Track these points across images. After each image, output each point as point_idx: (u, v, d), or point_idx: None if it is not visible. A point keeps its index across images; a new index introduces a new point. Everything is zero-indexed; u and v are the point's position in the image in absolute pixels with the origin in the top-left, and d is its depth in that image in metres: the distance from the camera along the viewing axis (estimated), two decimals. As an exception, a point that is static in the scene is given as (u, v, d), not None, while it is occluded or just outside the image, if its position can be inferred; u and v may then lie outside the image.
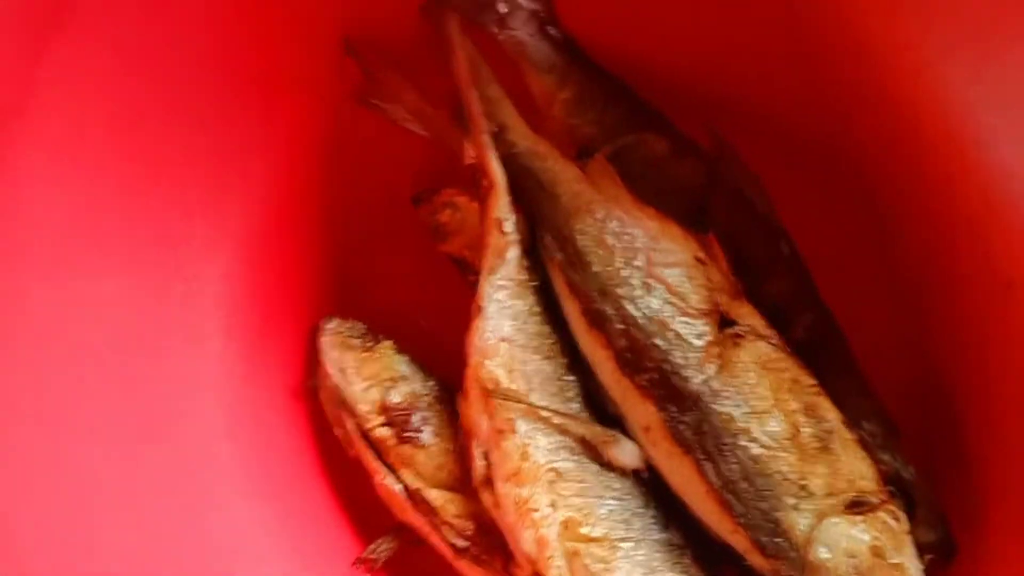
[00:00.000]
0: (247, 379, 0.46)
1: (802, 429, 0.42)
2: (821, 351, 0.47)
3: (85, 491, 0.40)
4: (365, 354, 0.49)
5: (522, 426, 0.44)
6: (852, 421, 0.45)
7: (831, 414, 0.43)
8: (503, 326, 0.46)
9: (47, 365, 0.40)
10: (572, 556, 0.41)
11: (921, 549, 0.41)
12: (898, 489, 0.44)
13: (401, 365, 0.49)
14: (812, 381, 0.43)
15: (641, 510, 0.43)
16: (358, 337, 0.49)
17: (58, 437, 0.40)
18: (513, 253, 0.47)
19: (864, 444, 0.43)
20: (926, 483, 0.44)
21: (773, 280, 0.49)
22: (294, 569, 0.44)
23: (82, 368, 0.41)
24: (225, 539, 0.43)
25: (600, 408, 0.46)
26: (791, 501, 0.41)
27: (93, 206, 0.40)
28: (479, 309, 0.46)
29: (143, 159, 0.41)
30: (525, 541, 0.42)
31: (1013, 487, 0.44)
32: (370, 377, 0.48)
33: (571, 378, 0.47)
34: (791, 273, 0.49)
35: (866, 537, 0.39)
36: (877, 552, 0.39)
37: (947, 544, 0.43)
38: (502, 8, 0.51)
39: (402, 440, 0.47)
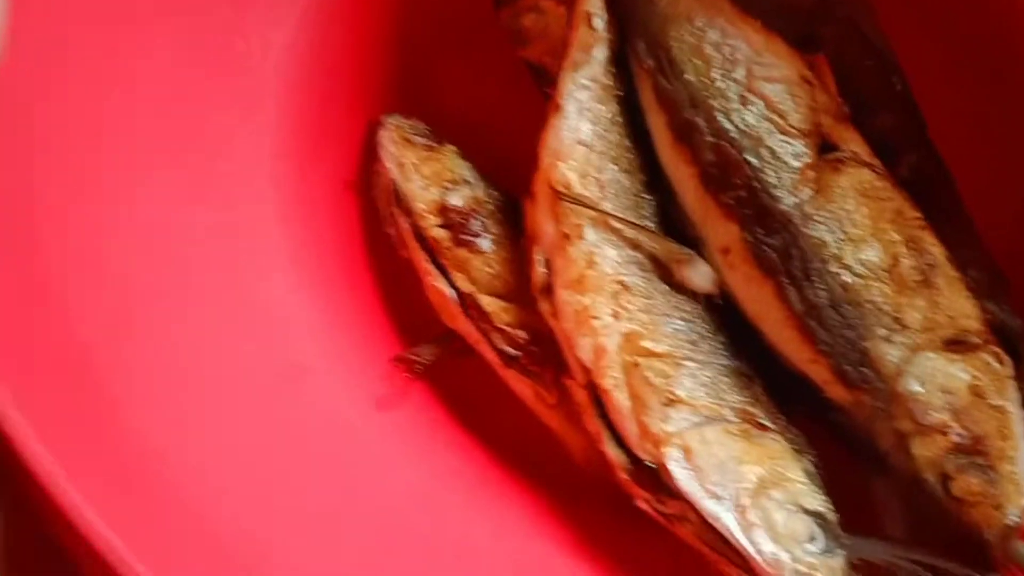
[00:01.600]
0: (300, 159, 0.43)
1: (902, 260, 0.38)
2: (926, 193, 0.43)
3: (128, 255, 0.38)
4: (427, 152, 0.45)
5: (590, 234, 0.40)
6: (958, 265, 0.41)
7: (936, 249, 0.39)
8: (582, 128, 0.42)
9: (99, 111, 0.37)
10: (631, 368, 0.38)
11: (1025, 399, 0.38)
12: (1003, 339, 0.39)
13: (464, 170, 0.46)
14: (917, 214, 0.39)
15: (710, 335, 0.40)
16: (422, 135, 0.46)
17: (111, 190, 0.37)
18: (601, 52, 0.43)
19: (969, 286, 0.39)
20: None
21: (882, 114, 0.44)
22: (333, 366, 0.41)
23: (132, 116, 0.38)
24: (268, 325, 0.40)
25: (678, 233, 0.43)
26: (883, 332, 0.37)
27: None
28: (557, 107, 0.42)
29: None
30: (582, 349, 0.39)
31: None
32: (431, 176, 0.45)
33: (649, 197, 0.43)
34: (901, 110, 0.45)
35: (965, 375, 0.36)
36: (976, 391, 0.35)
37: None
38: None
39: (459, 243, 0.43)
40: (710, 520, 0.34)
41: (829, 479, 0.37)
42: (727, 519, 0.33)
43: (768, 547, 0.33)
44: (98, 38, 0.38)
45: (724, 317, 0.41)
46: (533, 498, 0.41)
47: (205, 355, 0.36)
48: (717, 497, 0.34)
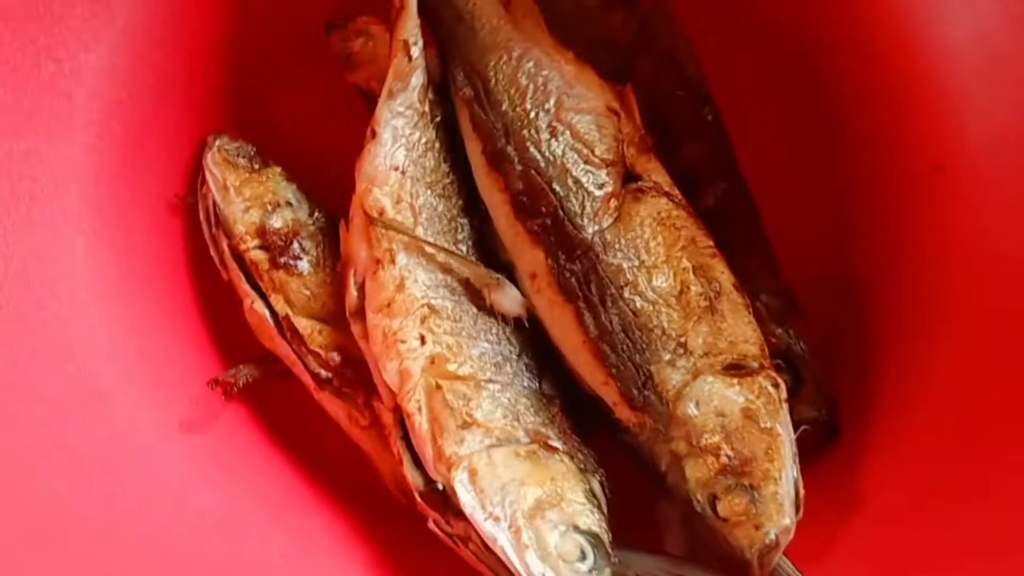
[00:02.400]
0: (118, 181, 0.43)
1: (691, 287, 0.40)
2: (730, 222, 0.45)
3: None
4: (250, 175, 0.46)
5: (402, 258, 0.41)
6: (750, 292, 0.43)
7: (723, 276, 0.40)
8: (397, 155, 0.43)
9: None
10: (434, 391, 0.39)
11: (801, 423, 0.40)
12: (787, 364, 0.42)
13: (287, 192, 0.46)
14: (709, 243, 0.41)
15: (514, 357, 0.41)
16: (246, 158, 0.46)
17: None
18: (417, 80, 0.44)
19: (756, 313, 0.41)
20: (819, 364, 0.42)
21: (692, 145, 0.47)
22: (138, 390, 0.41)
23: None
24: (68, 334, 0.40)
25: (492, 255, 0.44)
26: (667, 356, 0.39)
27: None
28: (373, 134, 0.43)
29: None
30: (388, 372, 0.40)
31: (908, 376, 0.42)
32: (252, 198, 0.45)
33: (464, 220, 0.44)
34: (711, 140, 0.47)
35: (740, 399, 0.37)
36: (749, 415, 0.37)
37: (829, 425, 0.41)
38: None
39: (277, 266, 0.44)
40: (488, 541, 0.35)
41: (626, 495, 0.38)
42: (502, 540, 0.34)
43: (537, 568, 0.34)
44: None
45: (532, 339, 0.42)
46: (341, 518, 0.41)
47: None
48: (495, 519, 0.35)
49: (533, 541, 0.34)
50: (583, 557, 0.35)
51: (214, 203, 0.45)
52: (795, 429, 0.38)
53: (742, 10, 0.51)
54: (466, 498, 0.36)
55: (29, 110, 0.40)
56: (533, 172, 0.42)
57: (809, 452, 0.40)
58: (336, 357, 0.42)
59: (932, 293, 0.44)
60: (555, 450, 0.38)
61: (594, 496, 0.37)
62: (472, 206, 0.44)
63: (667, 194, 0.42)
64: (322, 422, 0.43)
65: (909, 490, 0.39)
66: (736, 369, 0.38)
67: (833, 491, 0.41)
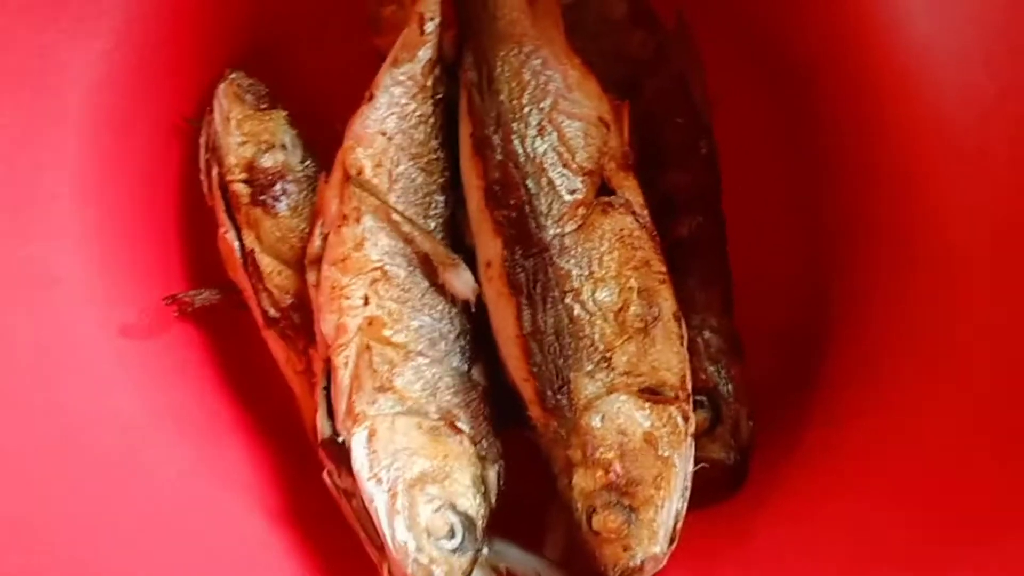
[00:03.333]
0: (129, 93, 0.45)
1: (631, 307, 0.40)
2: (697, 253, 0.46)
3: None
4: (254, 112, 0.47)
5: (368, 219, 0.43)
6: (695, 326, 0.43)
7: (666, 304, 0.41)
8: (388, 121, 0.44)
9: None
10: (363, 350, 0.40)
11: (708, 462, 0.40)
12: (710, 402, 0.42)
13: (286, 136, 0.48)
14: (662, 269, 0.42)
15: (451, 337, 0.42)
16: (255, 96, 0.48)
17: None
18: (425, 54, 0.45)
19: (692, 346, 0.41)
20: (745, 410, 0.43)
21: (679, 173, 0.47)
22: (98, 284, 0.43)
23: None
24: (33, 219, 0.41)
25: (458, 239, 0.45)
26: (588, 367, 0.39)
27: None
28: (370, 96, 0.45)
29: None
30: (327, 323, 0.41)
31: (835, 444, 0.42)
32: (249, 134, 0.47)
33: (440, 198, 0.45)
34: (699, 172, 0.47)
35: (645, 423, 0.38)
36: (649, 439, 0.38)
37: (737, 471, 0.42)
38: None
39: (256, 202, 0.46)
40: (366, 501, 0.36)
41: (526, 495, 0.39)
42: (378, 502, 0.36)
43: (402, 534, 0.35)
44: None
45: (475, 326, 0.43)
46: (254, 453, 0.43)
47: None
48: (378, 480, 0.36)
49: (405, 509, 0.36)
50: (452, 536, 0.36)
51: (215, 131, 0.47)
52: (697, 466, 0.38)
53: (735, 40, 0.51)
54: (358, 455, 0.37)
55: (57, 5, 0.42)
56: (511, 165, 0.43)
57: (710, 493, 0.40)
58: (288, 299, 0.44)
59: (891, 368, 0.44)
60: (460, 432, 0.39)
61: (483, 484, 0.38)
62: (452, 187, 0.46)
63: (635, 213, 0.42)
64: (262, 360, 0.45)
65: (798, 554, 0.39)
66: (651, 394, 0.39)
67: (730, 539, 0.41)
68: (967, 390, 0.39)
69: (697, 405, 0.41)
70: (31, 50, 0.42)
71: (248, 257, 0.45)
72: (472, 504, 0.37)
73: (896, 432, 0.41)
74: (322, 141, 0.49)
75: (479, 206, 0.44)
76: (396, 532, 0.35)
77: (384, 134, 0.44)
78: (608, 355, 0.39)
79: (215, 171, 0.46)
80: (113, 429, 0.38)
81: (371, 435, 0.37)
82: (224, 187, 0.46)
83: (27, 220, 0.40)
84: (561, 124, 0.44)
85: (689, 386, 0.40)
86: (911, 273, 0.42)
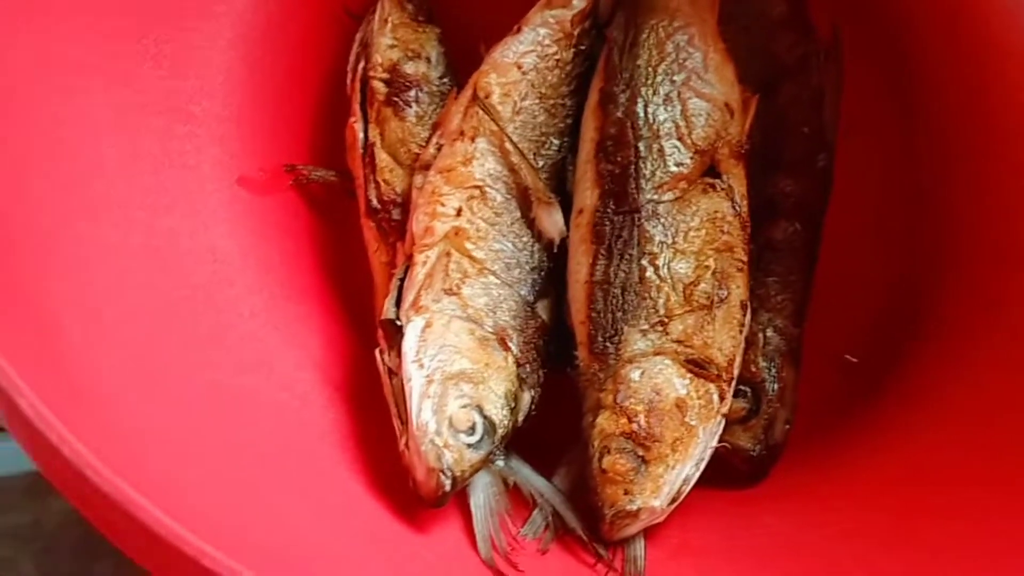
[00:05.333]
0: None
1: (702, 283, 0.42)
2: (785, 260, 0.46)
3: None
4: (411, 22, 0.50)
5: (482, 141, 0.45)
6: (763, 321, 0.44)
7: (737, 290, 0.42)
8: (527, 56, 0.47)
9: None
10: (443, 255, 0.43)
11: (732, 447, 0.41)
12: (752, 394, 0.43)
13: (433, 51, 0.51)
14: (743, 258, 0.43)
15: (526, 268, 0.44)
16: (415, 6, 0.51)
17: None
18: (579, 3, 0.47)
19: (751, 338, 0.42)
20: (784, 412, 0.43)
21: (790, 180, 0.48)
22: (236, 145, 0.47)
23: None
24: (186, 92, 0.45)
25: (561, 183, 0.47)
26: (644, 326, 0.41)
27: None
28: (518, 29, 0.47)
29: None
30: (419, 223, 0.44)
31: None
32: (401, 40, 0.50)
33: (555, 141, 0.47)
34: (809, 185, 0.48)
35: (681, 390, 0.39)
36: (680, 405, 0.39)
37: (756, 466, 0.42)
38: None
39: (389, 102, 0.49)
40: (404, 379, 0.39)
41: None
42: (415, 383, 0.38)
43: (427, 416, 0.37)
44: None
45: (553, 265, 0.45)
46: (323, 316, 0.46)
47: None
48: (420, 364, 0.39)
49: (436, 396, 0.38)
50: (471, 433, 0.38)
51: (371, 30, 0.50)
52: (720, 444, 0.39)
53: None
54: (410, 339, 0.39)
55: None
56: (629, 125, 0.44)
57: (722, 477, 0.41)
58: (392, 195, 0.47)
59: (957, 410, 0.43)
60: (508, 349, 0.41)
61: (515, 401, 0.40)
62: (569, 135, 0.48)
63: (733, 201, 0.43)
64: (354, 244, 0.48)
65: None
66: (695, 367, 0.40)
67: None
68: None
69: (739, 393, 0.42)
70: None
71: (368, 149, 0.48)
72: (499, 413, 0.39)
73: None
74: (464, 65, 0.52)
75: (588, 156, 0.46)
76: (422, 412, 0.37)
77: (520, 67, 0.47)
78: (666, 320, 0.41)
79: (361, 65, 0.50)
80: (206, 260, 0.42)
81: (427, 326, 0.40)
82: (365, 81, 0.49)
83: (177, 58, 0.44)
84: (688, 100, 0.45)
85: (735, 371, 0.41)
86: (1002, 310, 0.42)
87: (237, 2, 0.46)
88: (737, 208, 0.44)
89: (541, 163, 0.47)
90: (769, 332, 0.44)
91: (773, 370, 0.43)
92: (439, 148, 0.46)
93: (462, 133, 0.45)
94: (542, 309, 0.44)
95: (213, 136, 0.45)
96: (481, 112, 0.46)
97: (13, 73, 0.36)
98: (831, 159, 0.48)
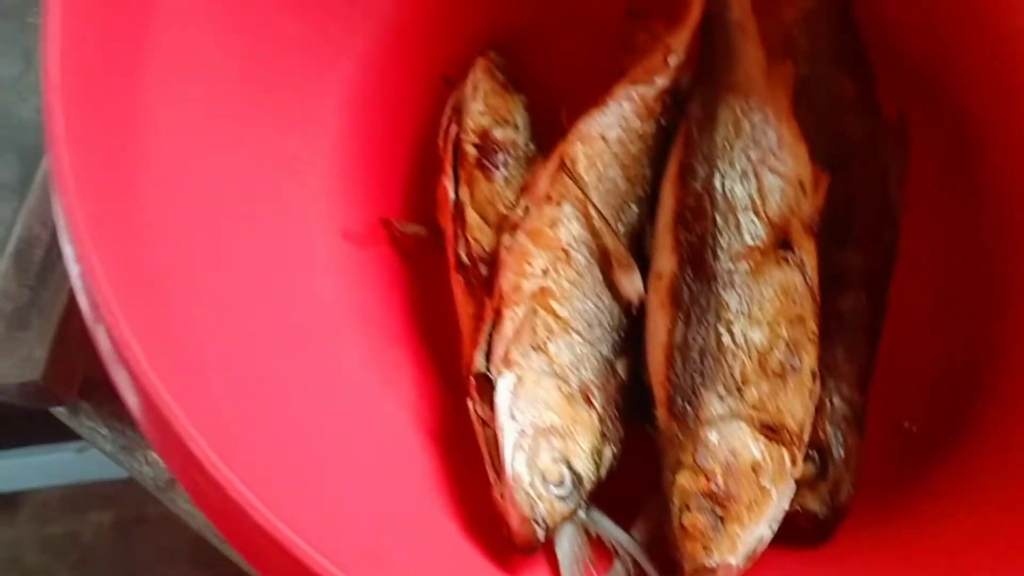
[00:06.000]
0: (397, 58, 0.52)
1: (775, 353, 0.44)
2: (850, 330, 0.49)
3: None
4: (501, 89, 0.54)
5: (568, 207, 0.48)
6: (827, 389, 0.47)
7: (808, 360, 0.44)
8: (611, 129, 0.50)
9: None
10: (531, 312, 0.46)
11: (801, 509, 0.44)
12: (820, 459, 0.45)
13: (520, 118, 0.54)
14: (815, 329, 0.45)
15: (607, 327, 0.47)
16: (505, 75, 0.54)
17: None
18: (662, 82, 0.51)
19: (818, 404, 0.44)
20: (849, 476, 0.45)
21: (857, 254, 0.50)
22: (339, 200, 0.50)
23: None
24: (296, 149, 0.49)
25: (638, 246, 0.50)
26: (721, 390, 0.43)
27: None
28: (603, 103, 0.50)
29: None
30: (507, 281, 0.47)
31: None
32: (491, 108, 0.53)
33: (634, 208, 0.50)
34: (875, 259, 0.50)
35: (756, 453, 0.42)
36: (755, 467, 0.41)
37: (822, 528, 0.44)
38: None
39: (479, 164, 0.52)
40: (498, 431, 0.41)
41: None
42: (507, 434, 0.41)
43: (520, 467, 0.40)
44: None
45: (630, 325, 0.48)
46: (417, 363, 0.49)
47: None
48: (513, 418, 0.41)
49: (529, 449, 0.41)
50: (560, 485, 0.41)
51: (463, 96, 0.54)
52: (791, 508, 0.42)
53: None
54: (503, 394, 0.42)
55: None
56: (707, 197, 0.47)
57: (794, 536, 0.43)
58: (481, 252, 0.50)
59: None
60: (592, 406, 0.44)
61: (599, 456, 0.43)
62: (649, 202, 0.51)
63: (805, 274, 0.46)
64: (443, 295, 0.51)
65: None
66: (770, 431, 0.42)
67: None
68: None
69: (808, 457, 0.44)
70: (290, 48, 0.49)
71: (458, 208, 0.51)
72: (585, 467, 0.42)
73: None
74: (544, 128, 0.55)
75: (667, 224, 0.49)
76: (515, 464, 0.40)
77: (604, 139, 0.50)
78: (741, 386, 0.43)
79: (453, 128, 0.53)
80: (314, 309, 0.45)
81: (518, 381, 0.43)
82: (457, 144, 0.53)
83: (292, 120, 0.48)
84: (763, 176, 0.48)
85: (806, 437, 0.43)
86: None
87: (347, 69, 0.50)
88: (808, 281, 0.46)
89: (621, 228, 0.50)
90: (835, 399, 0.46)
91: (839, 436, 0.45)
92: (527, 210, 0.49)
93: (549, 198, 0.48)
94: (621, 367, 0.47)
95: (320, 192, 0.48)
96: (567, 179, 0.49)
97: (155, 134, 0.39)
98: (896, 234, 0.51)
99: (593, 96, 0.54)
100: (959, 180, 0.54)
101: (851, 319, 0.49)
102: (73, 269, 0.33)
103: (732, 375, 0.44)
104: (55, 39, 0.32)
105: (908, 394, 0.50)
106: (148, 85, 0.39)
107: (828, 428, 0.46)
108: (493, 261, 0.50)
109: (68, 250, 0.33)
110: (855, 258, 0.50)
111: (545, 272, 0.47)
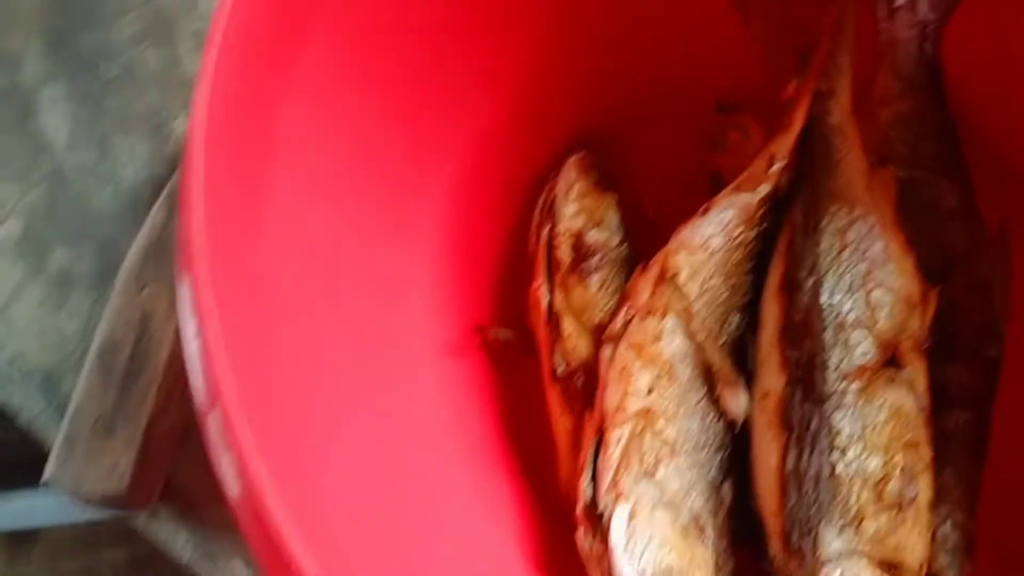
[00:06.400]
0: (489, 157, 0.51)
1: (891, 482, 0.43)
2: (958, 450, 0.47)
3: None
4: (593, 188, 0.53)
5: (671, 319, 0.47)
6: (940, 516, 0.45)
7: (924, 490, 0.43)
8: (715, 238, 0.49)
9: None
10: (636, 435, 0.44)
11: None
12: (938, 587, 0.44)
13: (612, 217, 0.53)
14: (929, 455, 0.44)
15: (712, 447, 0.46)
16: (597, 173, 0.54)
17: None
18: (764, 189, 0.50)
19: (933, 532, 0.43)
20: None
21: (962, 369, 0.49)
22: (438, 314, 0.50)
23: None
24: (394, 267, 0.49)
25: (740, 360, 0.49)
26: (839, 524, 0.42)
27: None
28: (706, 211, 0.49)
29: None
30: (610, 399, 0.46)
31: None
32: (585, 208, 0.52)
33: (735, 316, 0.49)
34: (981, 374, 0.49)
35: (878, 593, 0.41)
36: (878, 610, 0.40)
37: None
38: (900, 1, 0.52)
39: (574, 269, 0.51)
40: (614, 569, 0.40)
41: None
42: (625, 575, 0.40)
43: (642, 613, 0.39)
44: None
45: (734, 443, 0.47)
46: (516, 483, 0.48)
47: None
48: (631, 557, 0.40)
49: (650, 592, 0.40)
50: (679, 628, 0.39)
51: (555, 196, 0.53)
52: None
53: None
54: (617, 530, 0.41)
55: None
56: (815, 312, 0.46)
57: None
58: (578, 363, 0.49)
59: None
60: (705, 537, 0.43)
61: (714, 592, 0.42)
62: (748, 310, 0.50)
63: (916, 394, 0.45)
64: (537, 403, 0.50)
65: None
66: (891, 567, 0.41)
67: None
68: None
69: (925, 592, 0.43)
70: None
71: (553, 315, 0.50)
72: (704, 608, 0.41)
73: None
74: (633, 224, 0.54)
75: (772, 340, 0.47)
76: (637, 609, 0.39)
77: (707, 248, 0.49)
78: (859, 519, 0.42)
79: (545, 231, 0.52)
80: (416, 430, 0.44)
81: (631, 516, 0.42)
82: (550, 247, 0.52)
83: (392, 240, 0.47)
84: (871, 291, 0.47)
85: (924, 573, 0.42)
86: None
87: (444, 176, 0.49)
88: (920, 403, 0.45)
89: (723, 340, 0.49)
90: (948, 527, 0.45)
91: (955, 567, 0.44)
92: (628, 322, 0.48)
93: (651, 310, 0.47)
94: (726, 491, 0.46)
95: (419, 302, 0.47)
96: (670, 290, 0.48)
97: (276, 257, 0.38)
98: (1001, 349, 0.50)
99: (681, 191, 0.53)
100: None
101: (958, 438, 0.48)
102: (192, 346, 0.33)
103: (848, 507, 0.42)
104: (199, 192, 0.31)
105: (1013, 515, 0.49)
106: (270, 212, 0.38)
107: (942, 559, 0.44)
108: (591, 374, 0.49)
109: (191, 327, 0.33)
110: (960, 374, 0.49)
111: (650, 390, 0.46)
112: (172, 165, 0.59)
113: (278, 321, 0.39)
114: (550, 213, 0.52)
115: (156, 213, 0.53)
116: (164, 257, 0.51)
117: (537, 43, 0.51)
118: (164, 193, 0.54)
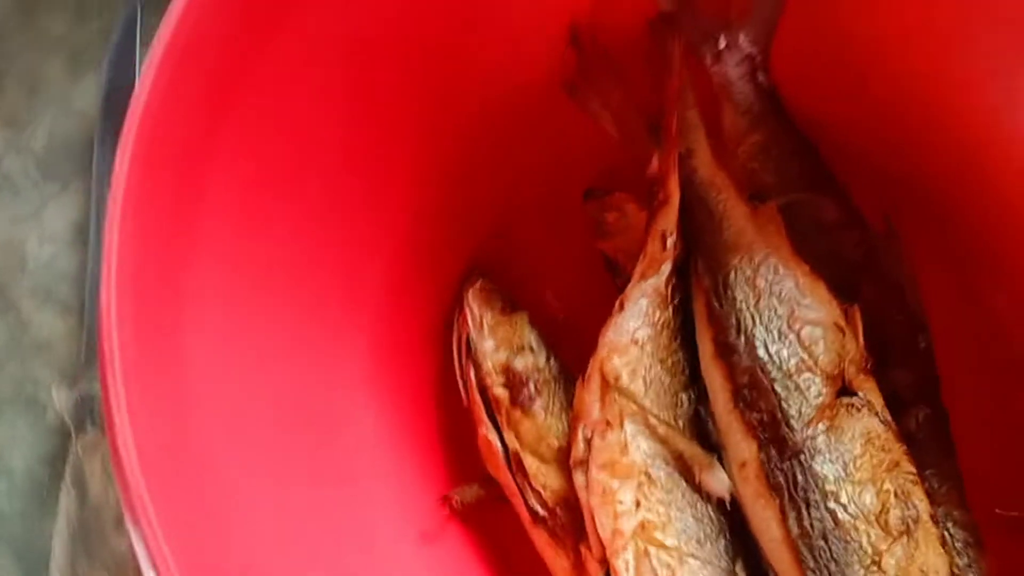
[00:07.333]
0: (397, 309, 0.50)
1: (891, 510, 0.43)
2: (929, 448, 0.49)
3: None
4: (502, 317, 0.52)
5: (629, 425, 0.47)
6: (938, 522, 0.46)
7: (921, 504, 0.44)
8: (640, 329, 0.49)
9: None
10: (642, 554, 0.44)
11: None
12: (965, 595, 0.45)
13: (531, 337, 0.52)
14: (912, 468, 0.45)
15: (714, 536, 0.45)
16: (499, 297, 0.53)
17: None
18: (667, 267, 0.50)
19: (944, 542, 0.44)
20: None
21: (902, 371, 0.50)
22: (394, 488, 0.48)
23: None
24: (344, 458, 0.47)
25: (705, 434, 0.49)
26: (860, 572, 0.42)
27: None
28: (621, 307, 0.49)
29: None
30: (603, 527, 0.45)
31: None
32: (502, 339, 0.51)
33: (684, 395, 0.49)
34: (921, 367, 0.51)
35: (918, 623, 0.41)
36: (924, 640, 0.40)
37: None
38: (722, 44, 0.54)
39: (515, 403, 0.50)
40: None
41: None
42: None
43: None
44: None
45: (731, 521, 0.46)
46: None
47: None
48: None
49: None
50: None
51: (467, 336, 0.51)
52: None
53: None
54: (660, 659, 0.40)
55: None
56: (759, 370, 0.47)
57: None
58: (555, 499, 0.48)
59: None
60: (737, 639, 0.42)
61: None
62: (691, 384, 0.50)
63: (878, 415, 0.46)
64: (526, 552, 0.48)
65: None
66: (921, 595, 0.42)
67: None
68: None
69: (953, 599, 0.44)
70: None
71: (513, 457, 0.49)
72: None
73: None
74: (550, 335, 0.54)
75: (726, 407, 0.47)
76: None
77: (636, 343, 0.48)
78: (877, 559, 0.42)
79: (472, 374, 0.51)
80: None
81: (664, 646, 0.41)
82: (483, 389, 0.50)
83: (329, 430, 0.45)
84: (800, 331, 0.48)
85: (953, 583, 0.43)
86: None
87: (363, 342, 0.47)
88: (884, 422, 0.46)
89: (681, 423, 0.48)
90: (950, 527, 0.46)
91: (973, 566, 0.45)
92: (588, 442, 0.47)
93: (608, 423, 0.47)
94: (740, 570, 0.45)
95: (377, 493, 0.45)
96: (617, 396, 0.47)
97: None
98: (928, 337, 0.51)
99: (580, 282, 0.53)
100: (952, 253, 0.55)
101: (926, 437, 0.49)
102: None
103: (863, 550, 0.43)
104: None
105: (992, 484, 0.51)
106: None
107: (958, 562, 0.45)
108: (570, 505, 0.47)
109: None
110: (903, 375, 0.50)
111: (638, 504, 0.45)
112: (61, 434, 0.54)
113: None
114: (469, 355, 0.51)
115: (65, 501, 0.49)
116: (92, 546, 0.47)
117: (421, 185, 0.50)
118: (67, 473, 0.50)
